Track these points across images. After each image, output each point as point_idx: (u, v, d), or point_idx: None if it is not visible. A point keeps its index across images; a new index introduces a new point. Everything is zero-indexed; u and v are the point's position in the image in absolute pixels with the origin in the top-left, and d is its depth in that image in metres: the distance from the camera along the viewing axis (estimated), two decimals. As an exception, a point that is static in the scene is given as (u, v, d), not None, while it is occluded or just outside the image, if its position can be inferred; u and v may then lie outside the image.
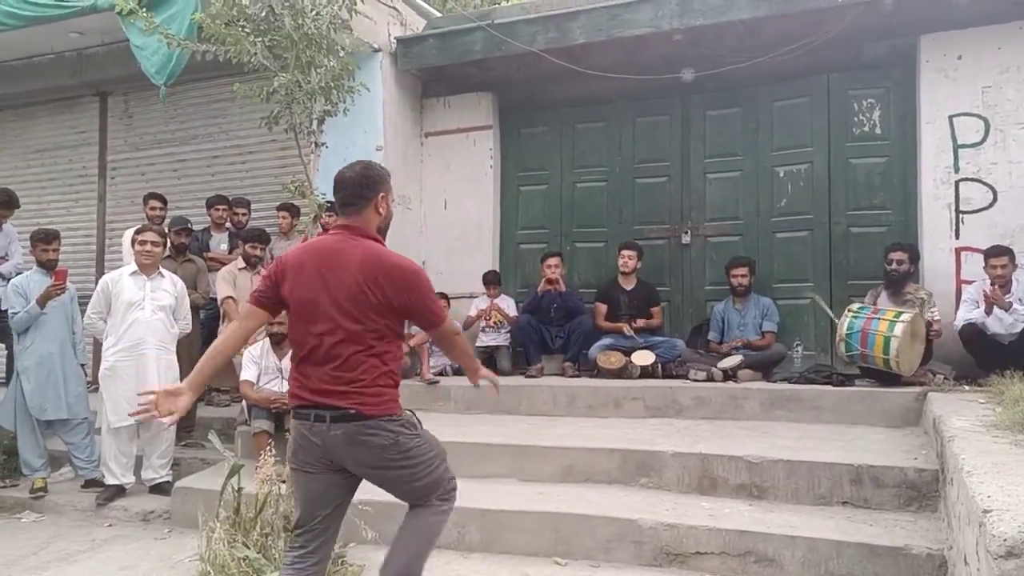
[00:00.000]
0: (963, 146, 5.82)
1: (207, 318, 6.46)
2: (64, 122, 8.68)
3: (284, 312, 4.83)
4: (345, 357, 2.60)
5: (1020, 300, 5.22)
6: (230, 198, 7.02)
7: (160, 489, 5.16)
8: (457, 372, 6.77)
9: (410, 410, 2.78)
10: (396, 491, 2.80)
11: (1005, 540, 1.89)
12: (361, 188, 2.69)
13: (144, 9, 4.38)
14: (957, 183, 5.83)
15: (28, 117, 8.82)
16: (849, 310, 5.41)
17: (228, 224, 6.96)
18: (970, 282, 5.60)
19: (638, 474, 4.41)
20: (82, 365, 5.67)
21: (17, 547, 4.49)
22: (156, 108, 7.83)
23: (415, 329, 6.41)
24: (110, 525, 4.88)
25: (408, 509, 2.85)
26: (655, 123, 7.03)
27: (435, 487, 2.79)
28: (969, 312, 5.35)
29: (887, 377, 5.23)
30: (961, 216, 5.83)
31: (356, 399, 2.59)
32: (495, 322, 6.84)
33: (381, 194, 2.72)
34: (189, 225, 6.32)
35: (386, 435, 2.62)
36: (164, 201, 6.78)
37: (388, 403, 2.65)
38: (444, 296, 6.91)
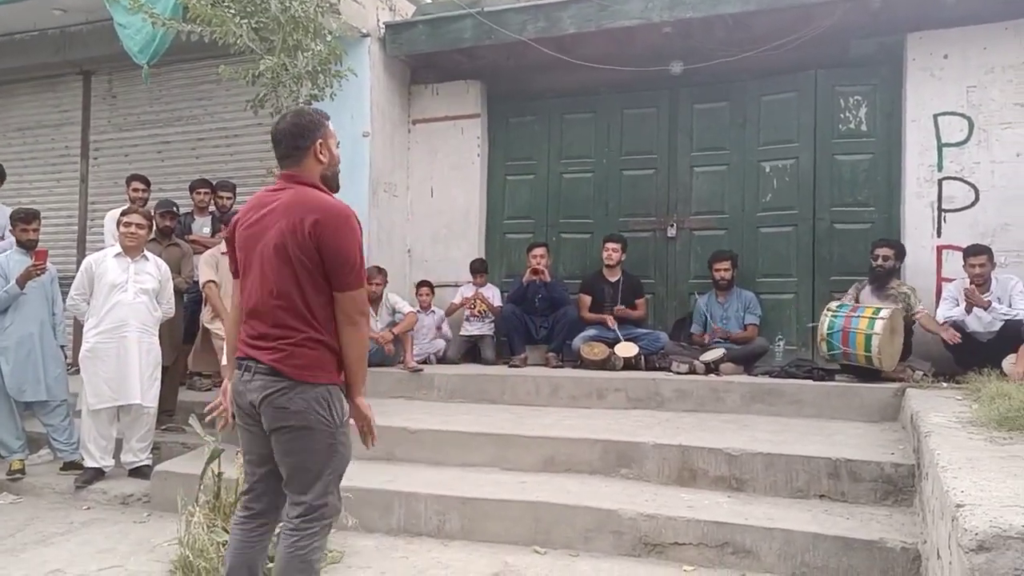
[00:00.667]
0: (947, 145, 5.87)
1: (190, 302, 6.41)
2: (47, 100, 8.56)
3: None
4: (271, 311, 2.49)
5: (999, 299, 5.28)
6: (214, 181, 6.95)
7: (140, 472, 5.12)
8: (441, 360, 6.78)
9: (339, 389, 2.56)
10: (282, 466, 2.57)
11: (976, 534, 1.92)
12: (295, 139, 2.55)
13: (129, -13, 4.33)
14: (940, 181, 5.89)
15: (10, 95, 8.69)
16: (828, 309, 5.45)
17: (212, 207, 6.90)
18: (951, 280, 5.66)
19: (619, 465, 4.44)
20: (62, 347, 5.61)
21: (-7, 529, 4.45)
22: (140, 88, 7.74)
23: (399, 317, 6.41)
24: (88, 508, 4.85)
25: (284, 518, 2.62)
26: (643, 115, 7.03)
27: (311, 485, 2.51)
28: (949, 310, 5.41)
29: (867, 372, 5.29)
30: (944, 214, 5.88)
31: (276, 355, 2.47)
32: (479, 311, 6.84)
33: (319, 140, 2.57)
34: (175, 208, 6.26)
35: (296, 400, 2.45)
36: (147, 183, 6.71)
37: (310, 368, 2.47)
38: (428, 284, 6.92)
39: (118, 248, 5.16)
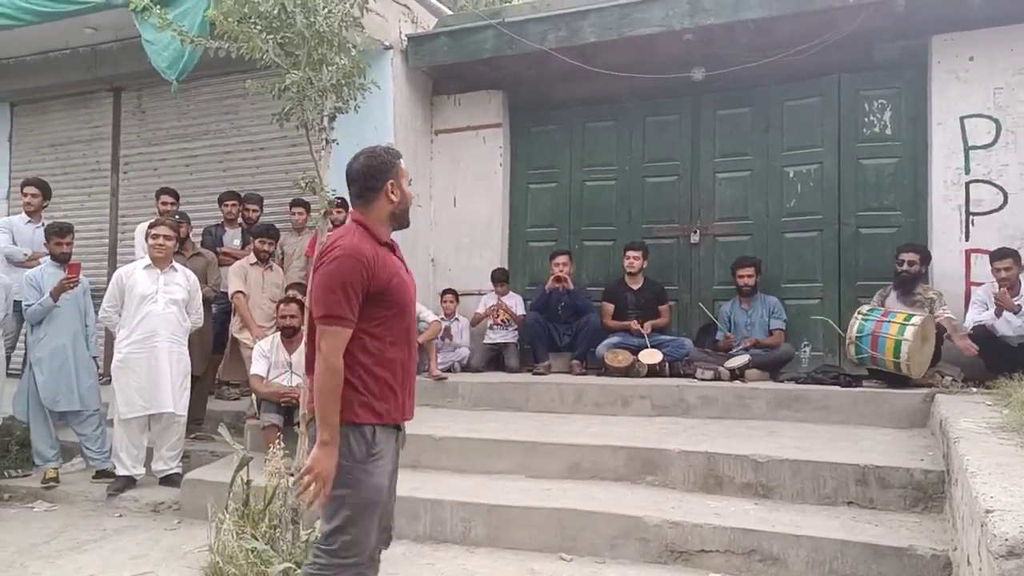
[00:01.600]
0: (974, 147, 5.81)
1: (218, 312, 6.51)
2: (78, 117, 8.74)
3: (295, 306, 4.85)
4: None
5: (1029, 302, 5.20)
6: (242, 194, 7.06)
7: (170, 481, 5.21)
8: (465, 368, 6.81)
9: (370, 428, 2.48)
10: None
11: (1007, 540, 1.90)
12: (367, 180, 2.58)
13: (157, 5, 4.41)
14: (967, 184, 5.82)
15: (43, 112, 8.89)
16: (859, 313, 5.40)
17: (240, 219, 7.00)
18: (980, 284, 5.59)
19: (644, 472, 4.43)
20: (94, 357, 5.73)
21: (29, 536, 4.55)
22: (169, 104, 7.90)
23: (423, 327, 6.45)
24: (120, 515, 4.94)
25: None
26: (665, 122, 7.03)
27: (329, 518, 2.48)
28: (978, 314, 5.35)
29: (895, 378, 5.23)
30: (971, 218, 5.81)
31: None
32: (502, 320, 6.86)
33: (391, 181, 2.59)
34: (176, 217, 6.24)
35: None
36: (176, 196, 6.83)
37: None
38: (453, 292, 6.96)
39: (147, 260, 5.26)
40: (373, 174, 2.58)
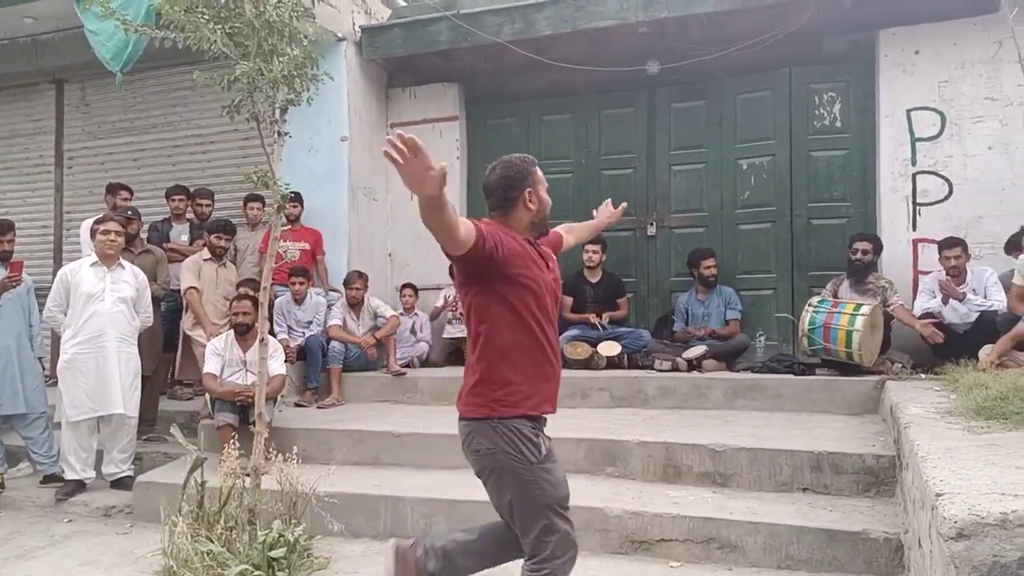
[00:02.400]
0: (920, 139, 5.95)
1: (168, 310, 6.36)
2: (19, 110, 8.45)
3: (248, 303, 4.74)
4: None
5: (974, 290, 5.35)
6: (192, 189, 6.90)
7: (121, 484, 5.07)
8: (424, 363, 6.77)
9: (533, 430, 2.47)
10: (497, 508, 2.60)
11: (956, 522, 1.94)
12: (505, 190, 2.55)
13: (101, -6, 4.28)
14: (914, 176, 5.97)
15: (-19, 104, 8.58)
16: (809, 305, 5.50)
17: (190, 214, 6.84)
18: (927, 272, 5.73)
19: (604, 463, 4.45)
20: (39, 358, 5.54)
21: (-27, 545, 4.39)
22: (114, 96, 7.67)
23: (381, 321, 6.39)
24: (70, 521, 4.79)
25: None
26: (621, 115, 7.06)
27: (529, 529, 2.47)
28: (926, 302, 5.48)
29: (847, 366, 5.34)
30: (918, 208, 5.96)
31: (460, 397, 2.58)
32: (460, 314, 6.81)
33: (528, 190, 2.55)
34: (128, 213, 6.09)
35: (476, 441, 2.48)
36: (131, 192, 6.65)
37: (476, 402, 2.48)
38: (412, 287, 6.91)
39: (94, 257, 5.11)
40: (511, 184, 2.55)
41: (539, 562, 2.46)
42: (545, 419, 2.60)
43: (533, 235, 2.62)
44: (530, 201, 2.56)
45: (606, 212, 3.44)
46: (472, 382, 2.51)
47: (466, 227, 2.34)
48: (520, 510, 2.48)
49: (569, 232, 3.18)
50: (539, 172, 2.62)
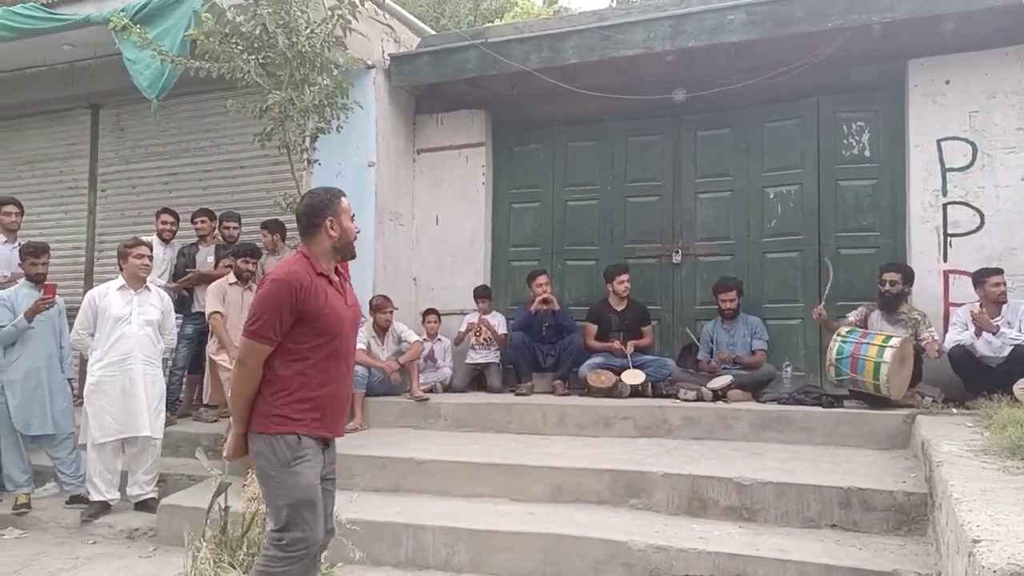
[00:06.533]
0: (951, 170, 5.88)
1: (195, 332, 6.43)
2: (55, 134, 8.64)
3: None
4: None
5: (1008, 323, 5.26)
6: (219, 213, 6.99)
7: (146, 506, 5.10)
8: (447, 389, 6.76)
9: (294, 437, 2.78)
10: None
11: (995, 572, 1.89)
12: (308, 218, 2.91)
13: (138, 25, 4.37)
14: (945, 206, 5.89)
15: (19, 128, 8.78)
16: (838, 335, 5.42)
17: (217, 237, 6.92)
18: (958, 304, 5.64)
19: (628, 495, 4.40)
20: (69, 380, 5.62)
21: (-1, 565, 4.43)
22: (148, 121, 7.79)
23: (405, 346, 6.40)
24: (94, 542, 4.82)
25: None
26: (647, 143, 7.06)
27: (274, 519, 2.82)
28: (958, 334, 5.39)
29: (876, 399, 5.25)
30: (949, 239, 5.87)
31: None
32: (484, 339, 6.83)
33: (330, 219, 2.89)
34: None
35: (253, 445, 2.83)
36: (176, 216, 6.78)
37: (260, 419, 2.80)
38: (435, 312, 6.92)
39: (121, 280, 5.18)
40: (314, 212, 2.91)
41: None
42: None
43: (337, 259, 2.97)
44: (332, 228, 2.90)
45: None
46: None
47: (257, 375, 2.81)
48: None
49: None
50: (344, 203, 2.96)
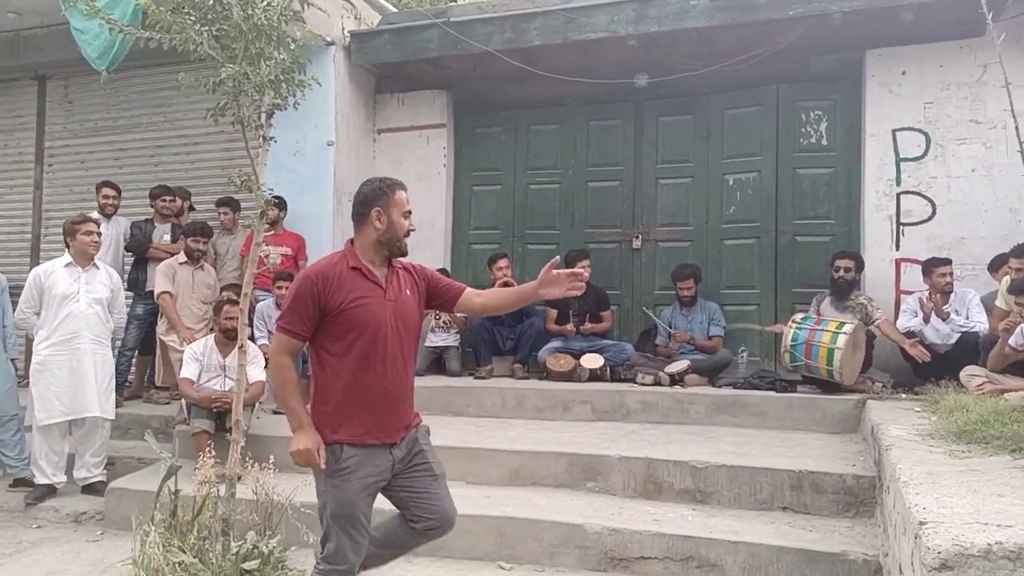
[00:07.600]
0: (905, 160, 5.99)
1: (145, 312, 6.27)
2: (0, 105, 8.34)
3: (230, 307, 4.77)
4: None
5: (956, 311, 5.38)
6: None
7: (93, 489, 4.98)
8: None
9: (337, 446, 2.68)
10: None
11: (939, 553, 1.93)
12: (357, 205, 2.81)
13: (86, -8, 4.20)
14: (898, 196, 5.99)
15: (-40, 99, 8.44)
16: (792, 321, 5.51)
17: (185, 216, 6.74)
18: (909, 292, 5.76)
19: (585, 478, 4.42)
20: (12, 360, 5.44)
21: (-63, 550, 4.28)
22: (97, 94, 7.55)
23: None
24: (39, 527, 4.69)
25: None
26: (609, 127, 7.06)
27: (323, 538, 2.78)
28: (908, 321, 5.50)
29: (828, 384, 5.35)
30: (902, 228, 5.99)
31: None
32: (444, 322, 6.79)
33: (377, 209, 2.75)
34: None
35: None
36: (118, 190, 6.54)
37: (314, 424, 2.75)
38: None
39: (68, 258, 5.02)
40: (365, 200, 2.79)
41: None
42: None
43: (384, 253, 2.80)
44: (378, 220, 2.76)
45: (550, 279, 2.87)
46: None
47: (289, 369, 2.77)
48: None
49: (479, 296, 3.17)
50: (399, 195, 2.81)
